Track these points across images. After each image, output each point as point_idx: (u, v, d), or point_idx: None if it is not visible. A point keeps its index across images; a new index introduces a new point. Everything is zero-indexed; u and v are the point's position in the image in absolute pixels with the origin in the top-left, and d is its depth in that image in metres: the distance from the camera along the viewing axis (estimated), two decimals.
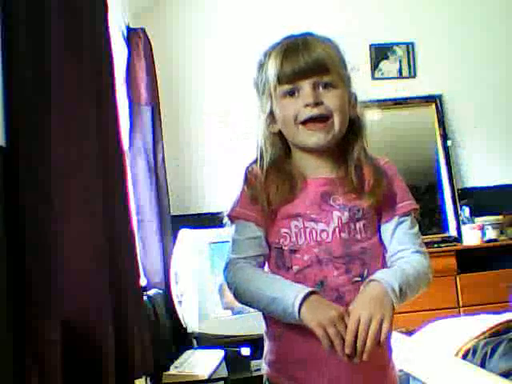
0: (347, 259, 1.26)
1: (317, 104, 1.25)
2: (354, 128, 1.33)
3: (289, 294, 1.19)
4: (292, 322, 1.21)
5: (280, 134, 1.33)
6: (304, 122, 1.26)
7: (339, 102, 1.27)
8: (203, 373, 2.63)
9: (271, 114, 1.32)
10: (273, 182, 1.29)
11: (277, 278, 1.27)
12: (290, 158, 1.35)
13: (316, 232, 1.27)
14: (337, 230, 1.27)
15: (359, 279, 1.26)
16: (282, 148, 1.34)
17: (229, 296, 3.16)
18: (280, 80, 1.27)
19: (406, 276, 1.24)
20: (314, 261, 1.26)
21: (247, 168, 1.34)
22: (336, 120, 1.27)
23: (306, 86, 1.25)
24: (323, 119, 1.26)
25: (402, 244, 1.30)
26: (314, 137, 1.27)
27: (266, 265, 1.33)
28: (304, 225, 1.27)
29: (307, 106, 1.25)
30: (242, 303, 1.30)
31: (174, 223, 3.46)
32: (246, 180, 1.32)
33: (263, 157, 1.32)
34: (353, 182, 1.29)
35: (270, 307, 1.23)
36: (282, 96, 1.28)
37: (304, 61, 1.26)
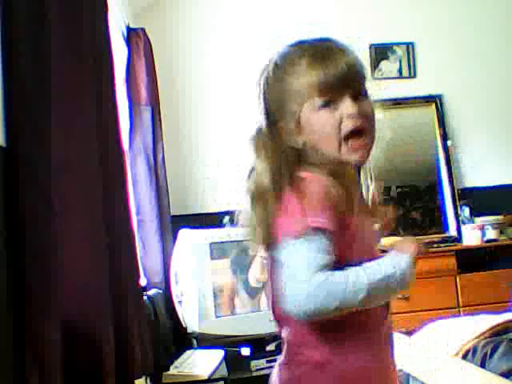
0: None
1: (361, 115, 1.17)
2: None
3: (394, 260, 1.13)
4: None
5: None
6: (347, 137, 1.17)
7: (373, 110, 1.21)
8: (203, 373, 2.63)
9: (297, 125, 1.19)
10: None
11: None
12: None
13: None
14: None
15: None
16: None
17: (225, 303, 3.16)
18: (319, 89, 1.16)
19: None
20: None
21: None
22: (374, 130, 1.20)
23: (347, 95, 1.16)
24: (362, 134, 1.18)
25: None
26: (357, 154, 1.18)
27: None
28: None
29: (351, 117, 1.16)
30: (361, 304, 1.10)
31: (173, 223, 3.46)
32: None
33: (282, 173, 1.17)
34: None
35: (387, 287, 1.11)
36: (318, 106, 1.17)
37: (345, 66, 1.17)
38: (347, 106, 1.16)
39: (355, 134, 1.17)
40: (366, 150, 1.19)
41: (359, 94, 1.19)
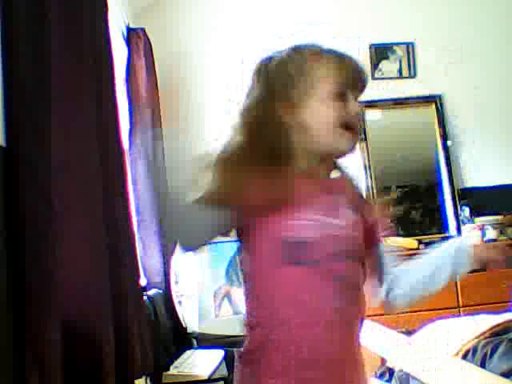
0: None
1: (359, 115, 1.32)
2: None
3: None
4: None
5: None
6: (345, 128, 1.29)
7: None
8: (203, 373, 2.63)
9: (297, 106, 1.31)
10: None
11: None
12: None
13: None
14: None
15: None
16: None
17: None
18: (339, 82, 1.30)
19: None
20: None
21: None
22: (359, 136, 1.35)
23: (354, 97, 1.31)
24: (355, 131, 1.32)
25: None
26: (349, 144, 1.31)
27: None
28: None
29: (355, 114, 1.30)
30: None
31: None
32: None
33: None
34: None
35: None
36: (329, 96, 1.29)
37: (366, 75, 1.34)
38: (355, 105, 1.31)
39: (350, 129, 1.30)
40: (353, 145, 1.32)
41: (357, 99, 1.34)
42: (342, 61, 1.32)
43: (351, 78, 1.31)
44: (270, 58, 1.35)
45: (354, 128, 1.30)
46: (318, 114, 1.30)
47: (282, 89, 1.32)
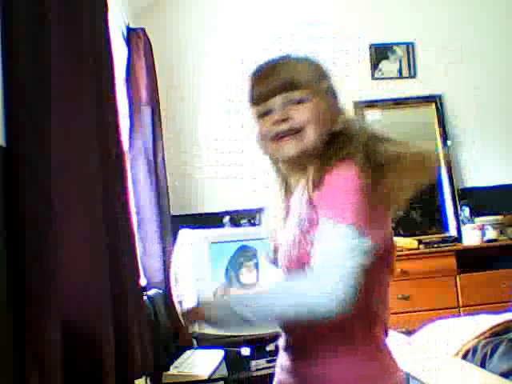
0: None
1: (284, 120, 1.30)
2: (337, 140, 1.31)
3: None
4: None
5: None
6: (276, 139, 1.31)
7: (310, 114, 1.29)
8: (203, 373, 2.63)
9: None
10: None
11: None
12: None
13: None
14: None
15: None
16: None
17: None
18: (253, 102, 1.34)
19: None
20: None
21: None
22: (307, 132, 1.29)
23: (274, 105, 1.31)
24: (294, 133, 1.30)
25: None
26: (284, 149, 1.31)
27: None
28: None
29: (276, 122, 1.30)
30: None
31: (173, 223, 3.46)
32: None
33: None
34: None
35: None
36: (257, 117, 1.35)
37: (270, 82, 1.32)
38: (273, 114, 1.32)
39: (282, 136, 1.32)
40: (294, 144, 1.30)
41: (290, 102, 1.31)
42: (250, 80, 1.36)
43: (260, 90, 1.33)
44: None
45: (282, 135, 1.30)
46: (257, 137, 1.36)
47: None
